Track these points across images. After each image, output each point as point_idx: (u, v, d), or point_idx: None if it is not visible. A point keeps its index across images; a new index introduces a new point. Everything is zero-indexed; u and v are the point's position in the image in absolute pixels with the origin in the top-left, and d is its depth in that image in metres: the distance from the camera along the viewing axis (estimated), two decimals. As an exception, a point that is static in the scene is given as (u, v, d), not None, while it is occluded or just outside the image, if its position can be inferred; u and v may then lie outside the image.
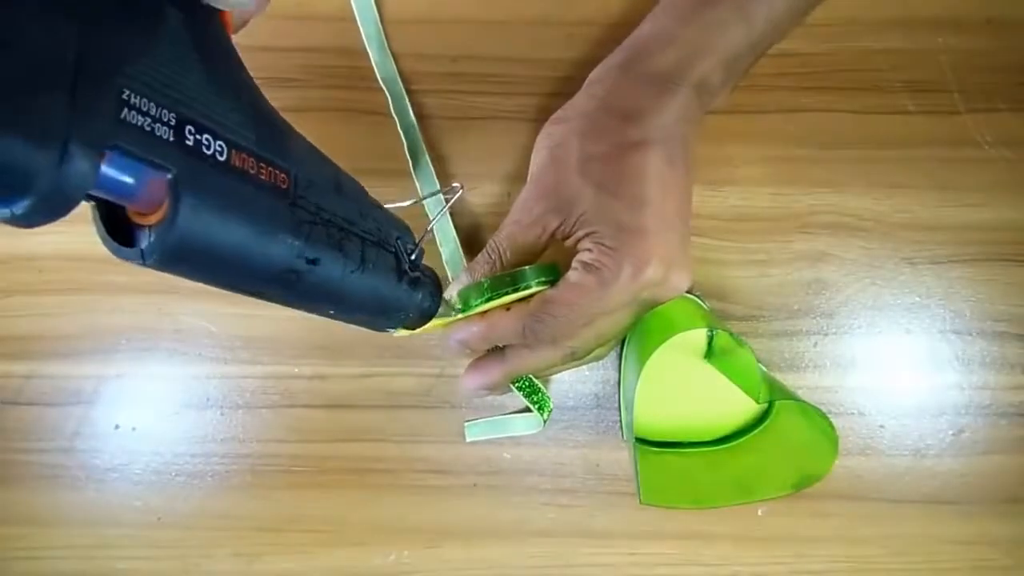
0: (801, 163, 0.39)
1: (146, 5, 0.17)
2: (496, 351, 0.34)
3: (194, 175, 0.17)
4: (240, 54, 0.21)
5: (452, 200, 0.33)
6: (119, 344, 0.40)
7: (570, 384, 0.40)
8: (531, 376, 0.35)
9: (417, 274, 0.26)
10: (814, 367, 0.40)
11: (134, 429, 0.40)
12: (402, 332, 0.30)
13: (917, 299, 0.39)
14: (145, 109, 0.16)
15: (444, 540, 0.40)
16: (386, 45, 0.40)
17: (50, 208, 0.14)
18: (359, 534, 0.40)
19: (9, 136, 0.13)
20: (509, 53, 0.39)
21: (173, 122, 0.17)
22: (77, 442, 0.40)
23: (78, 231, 0.40)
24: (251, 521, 0.40)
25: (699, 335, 0.37)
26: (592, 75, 0.34)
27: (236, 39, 0.22)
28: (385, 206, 0.27)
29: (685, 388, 0.39)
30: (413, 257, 0.26)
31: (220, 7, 0.19)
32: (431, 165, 0.39)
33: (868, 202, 0.39)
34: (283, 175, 0.20)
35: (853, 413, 0.40)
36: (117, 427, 0.40)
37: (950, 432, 0.40)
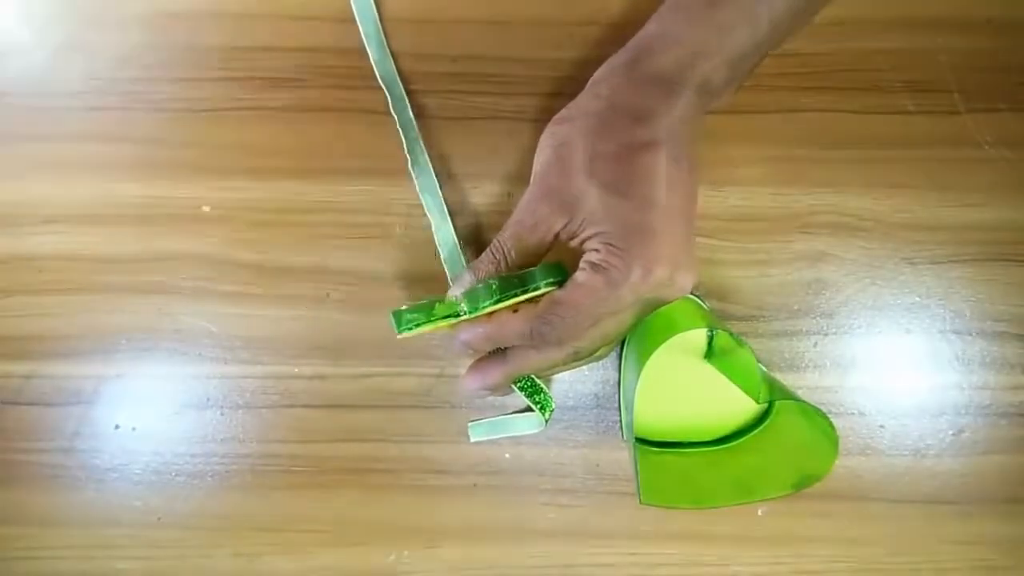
0: (801, 163, 0.39)
1: None
2: (498, 352, 0.34)
3: None
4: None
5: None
6: (119, 344, 0.40)
7: (570, 384, 0.40)
8: (532, 376, 0.35)
9: None
10: (814, 367, 0.40)
11: (134, 429, 0.40)
12: (407, 333, 0.30)
13: (917, 299, 0.39)
14: None
15: (444, 540, 0.40)
16: (385, 44, 0.40)
17: None
18: (359, 534, 0.40)
19: None
20: (509, 53, 0.39)
21: None
22: (77, 442, 0.40)
23: (78, 231, 0.40)
24: (251, 521, 0.40)
25: (699, 335, 0.37)
26: (596, 75, 0.34)
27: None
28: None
29: (685, 388, 0.39)
30: None
31: None
32: (430, 164, 0.39)
33: (868, 202, 0.39)
34: None
35: (853, 413, 0.40)
36: (117, 427, 0.40)
37: (950, 432, 0.40)
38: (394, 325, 0.31)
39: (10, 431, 0.40)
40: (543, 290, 0.30)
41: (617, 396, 0.40)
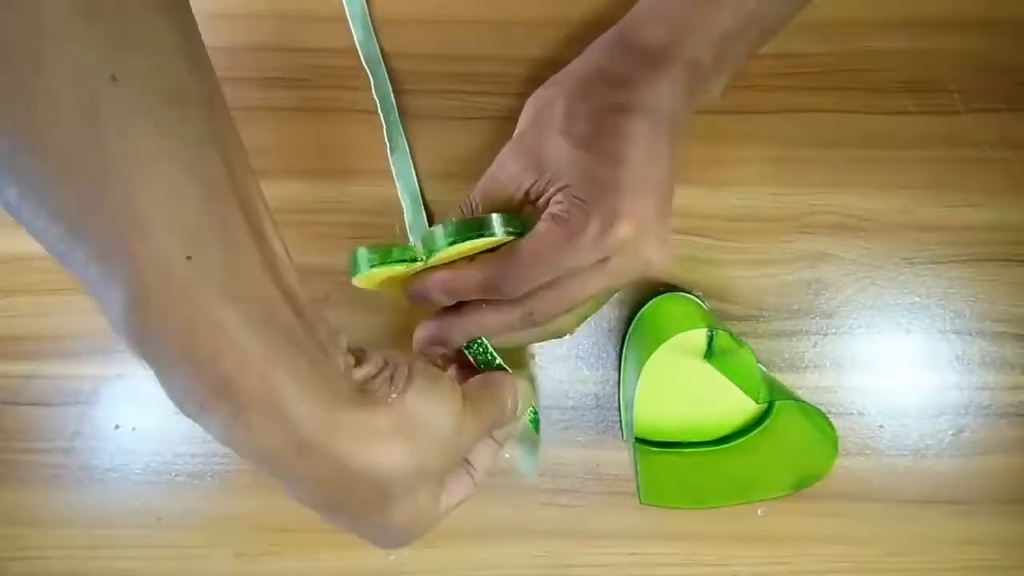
0: (801, 163, 0.39)
1: None
2: (454, 307, 0.32)
3: None
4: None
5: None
6: (119, 344, 0.40)
7: (570, 384, 0.40)
8: (486, 342, 0.32)
9: None
10: (814, 367, 0.40)
11: (134, 429, 0.40)
12: (363, 275, 0.29)
13: (917, 299, 0.39)
14: None
15: (444, 540, 0.40)
16: (371, 25, 0.39)
17: None
18: (359, 534, 0.40)
19: None
20: (509, 53, 0.39)
21: None
22: (77, 442, 0.40)
23: (78, 231, 0.40)
24: (251, 521, 0.40)
25: (699, 335, 0.37)
26: (589, 47, 0.34)
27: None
28: None
29: (685, 388, 0.39)
30: None
31: None
32: (409, 151, 0.39)
33: (868, 202, 0.39)
34: None
35: (853, 413, 0.40)
36: (117, 427, 0.40)
37: (950, 432, 0.40)
38: (350, 268, 0.29)
39: (10, 431, 0.40)
40: (500, 238, 0.29)
41: (617, 396, 0.40)
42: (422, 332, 0.32)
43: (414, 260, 0.29)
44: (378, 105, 0.39)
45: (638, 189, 0.29)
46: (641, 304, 0.39)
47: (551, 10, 0.39)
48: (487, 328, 0.31)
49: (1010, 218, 0.39)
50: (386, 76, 0.40)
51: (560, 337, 0.33)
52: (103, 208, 0.18)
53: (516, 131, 0.33)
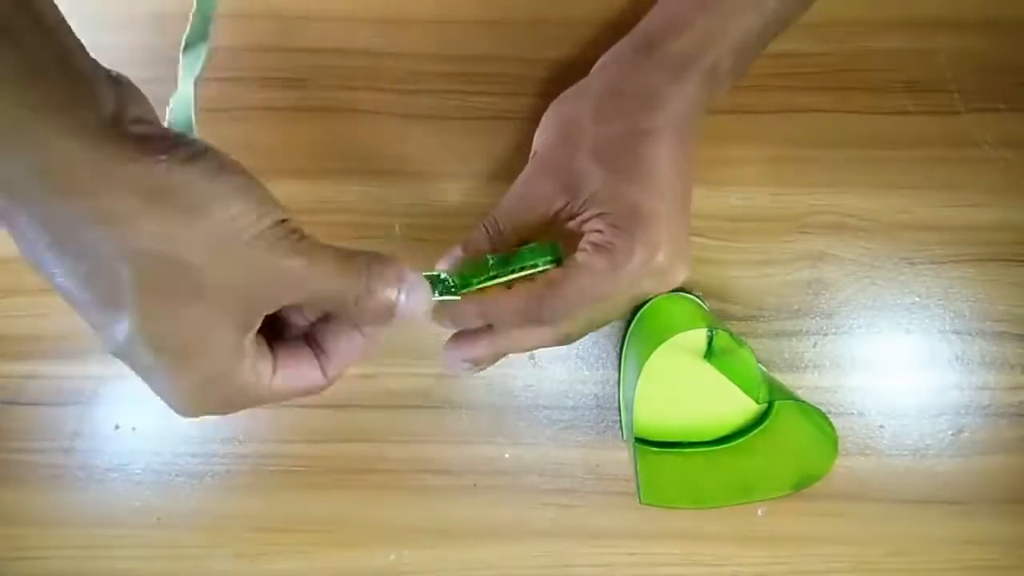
0: (801, 163, 0.39)
1: None
2: (486, 326, 0.32)
3: None
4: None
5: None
6: (119, 344, 0.40)
7: (570, 384, 0.40)
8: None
9: None
10: (814, 367, 0.40)
11: (134, 429, 0.40)
12: None
13: (917, 299, 0.39)
14: None
15: (444, 540, 0.40)
16: None
17: None
18: (359, 534, 0.40)
19: None
20: (509, 53, 0.39)
21: None
22: (77, 442, 0.40)
23: (78, 231, 0.40)
24: (251, 521, 0.40)
25: (699, 335, 0.37)
26: (603, 59, 0.34)
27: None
28: None
29: (685, 388, 0.39)
30: None
31: None
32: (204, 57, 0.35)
33: (868, 202, 0.39)
34: None
35: (853, 413, 0.40)
36: (117, 427, 0.40)
37: (950, 432, 0.40)
38: None
39: (10, 431, 0.40)
40: (539, 268, 0.29)
41: (617, 396, 0.40)
42: (454, 351, 0.32)
43: (448, 292, 0.29)
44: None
45: (673, 215, 0.29)
46: (641, 304, 0.39)
47: (551, 10, 0.39)
48: (521, 347, 0.32)
49: (1010, 218, 0.39)
50: None
51: (570, 343, 0.33)
52: None
53: (538, 146, 0.33)
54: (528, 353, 0.40)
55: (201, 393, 0.22)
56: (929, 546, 0.40)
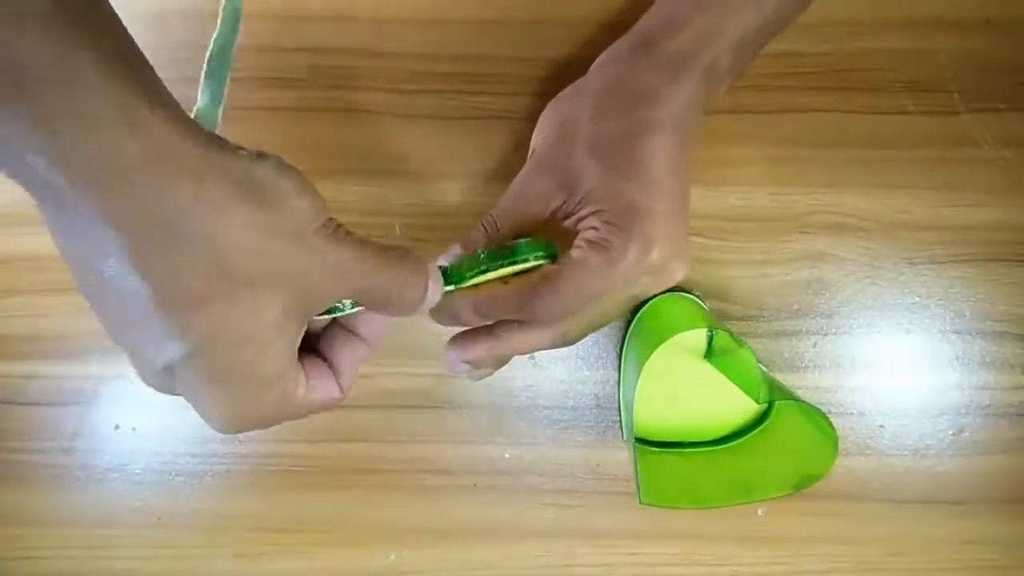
0: (801, 163, 0.39)
1: None
2: (485, 327, 0.32)
3: None
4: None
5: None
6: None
7: (570, 384, 0.40)
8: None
9: None
10: (814, 367, 0.40)
11: (134, 429, 0.40)
12: None
13: (917, 299, 0.39)
14: None
15: (444, 540, 0.40)
16: None
17: None
18: (359, 534, 0.40)
19: None
20: (508, 53, 0.39)
21: None
22: (77, 442, 0.40)
23: (78, 231, 0.40)
24: (251, 521, 0.40)
25: (699, 335, 0.37)
26: (601, 58, 0.34)
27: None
28: None
29: (685, 388, 0.39)
30: None
31: None
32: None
33: (868, 202, 0.39)
34: None
35: (853, 413, 0.40)
36: (117, 427, 0.40)
37: (950, 432, 0.40)
38: None
39: (10, 431, 0.40)
40: (531, 264, 0.29)
41: (617, 396, 0.40)
42: (453, 352, 0.32)
43: (444, 285, 0.28)
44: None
45: (670, 212, 0.29)
46: (641, 304, 0.39)
47: (550, 10, 0.39)
48: (519, 349, 0.32)
49: (1010, 218, 0.39)
50: None
51: (571, 345, 0.33)
52: None
53: (536, 145, 0.33)
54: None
55: (252, 400, 0.22)
56: (929, 546, 0.40)
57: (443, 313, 0.30)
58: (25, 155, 0.18)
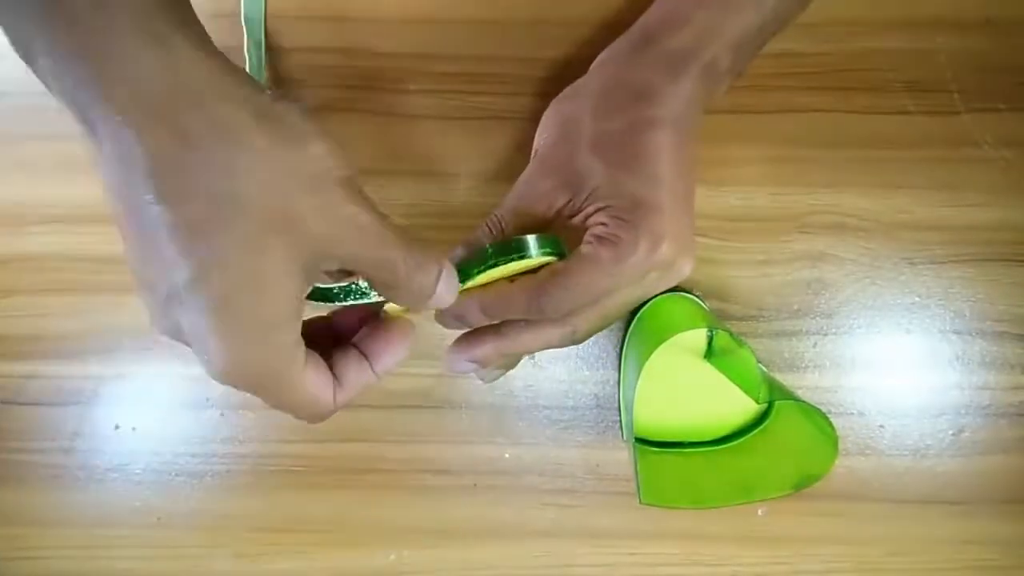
0: (801, 163, 0.39)
1: None
2: (491, 326, 0.32)
3: None
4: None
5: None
6: (119, 344, 0.40)
7: (570, 384, 0.40)
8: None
9: None
10: (814, 367, 0.40)
11: (134, 429, 0.40)
12: (392, 307, 0.28)
13: (917, 299, 0.39)
14: None
15: (444, 540, 0.40)
16: None
17: None
18: (359, 534, 0.40)
19: None
20: (508, 53, 0.39)
21: None
22: (77, 442, 0.40)
23: (78, 231, 0.40)
24: (251, 521, 0.40)
25: (699, 335, 0.37)
26: (601, 57, 0.34)
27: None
28: None
29: (685, 388, 0.39)
30: None
31: None
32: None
33: (868, 202, 0.39)
34: None
35: (853, 413, 0.40)
36: (117, 427, 0.40)
37: (950, 432, 0.40)
38: None
39: (10, 431, 0.40)
40: (537, 260, 0.29)
41: (617, 396, 0.40)
42: (459, 351, 0.32)
43: None
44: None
45: (676, 207, 0.29)
46: (641, 304, 0.39)
47: (551, 10, 0.39)
48: (527, 347, 0.31)
49: (1010, 218, 0.39)
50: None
51: (578, 343, 0.32)
52: None
53: (539, 145, 0.33)
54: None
55: (249, 343, 0.21)
56: (929, 546, 0.40)
57: (449, 314, 0.30)
58: (57, 77, 0.19)
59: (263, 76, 0.38)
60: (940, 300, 0.39)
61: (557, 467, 0.40)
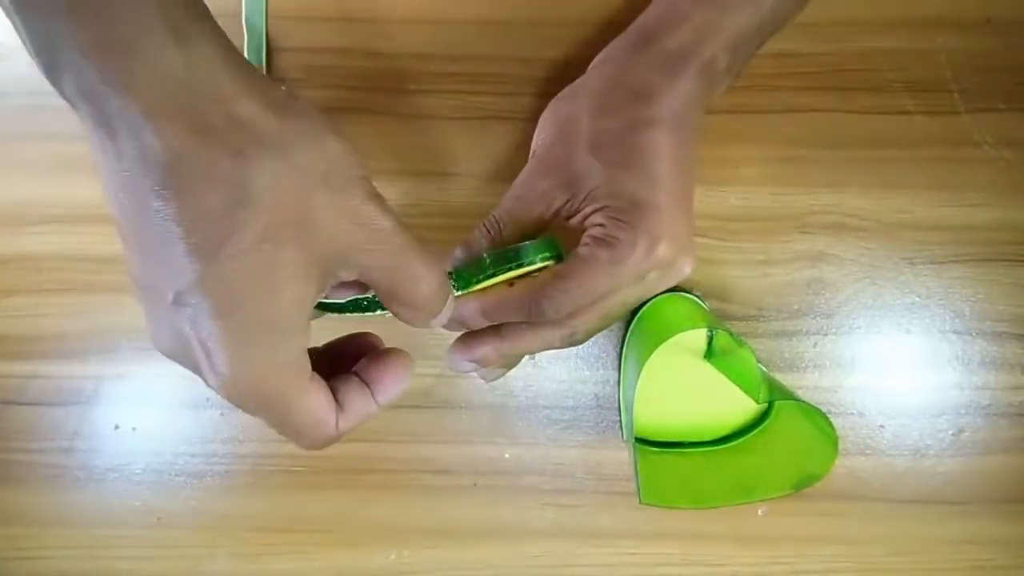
0: (801, 163, 0.39)
1: None
2: (492, 327, 0.32)
3: None
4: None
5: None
6: (119, 344, 0.40)
7: (570, 384, 0.40)
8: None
9: None
10: (814, 367, 0.40)
11: (134, 429, 0.40)
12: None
13: (917, 299, 0.39)
14: None
15: (444, 540, 0.40)
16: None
17: None
18: (359, 534, 0.40)
19: None
20: (509, 53, 0.39)
21: None
22: (77, 442, 0.40)
23: (78, 231, 0.40)
24: (251, 521, 0.40)
25: (699, 335, 0.37)
26: (599, 57, 0.34)
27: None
28: None
29: (685, 388, 0.39)
30: None
31: None
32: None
33: (868, 202, 0.39)
34: None
35: (853, 413, 0.40)
36: (117, 427, 0.40)
37: (950, 432, 0.40)
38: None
39: (10, 431, 0.40)
40: (538, 265, 0.29)
41: (617, 396, 0.40)
42: (459, 352, 0.32)
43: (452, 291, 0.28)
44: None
45: (674, 207, 0.29)
46: (641, 304, 0.39)
47: (551, 10, 0.39)
48: (527, 348, 0.31)
49: (1010, 218, 0.39)
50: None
51: (578, 345, 0.32)
52: None
53: (536, 146, 0.33)
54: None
55: (255, 350, 0.21)
56: (929, 546, 0.40)
57: (451, 321, 0.30)
58: (76, 73, 0.19)
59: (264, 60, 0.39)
60: (940, 300, 0.39)
61: (557, 467, 0.40)
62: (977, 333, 0.39)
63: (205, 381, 0.21)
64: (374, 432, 0.40)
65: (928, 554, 0.40)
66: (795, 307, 0.40)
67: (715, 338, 0.37)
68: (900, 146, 0.39)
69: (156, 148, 0.19)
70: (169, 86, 0.19)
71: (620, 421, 0.40)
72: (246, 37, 0.38)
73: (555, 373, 0.40)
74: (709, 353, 0.38)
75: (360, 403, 0.25)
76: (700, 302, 0.39)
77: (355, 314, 0.26)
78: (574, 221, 0.30)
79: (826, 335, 0.40)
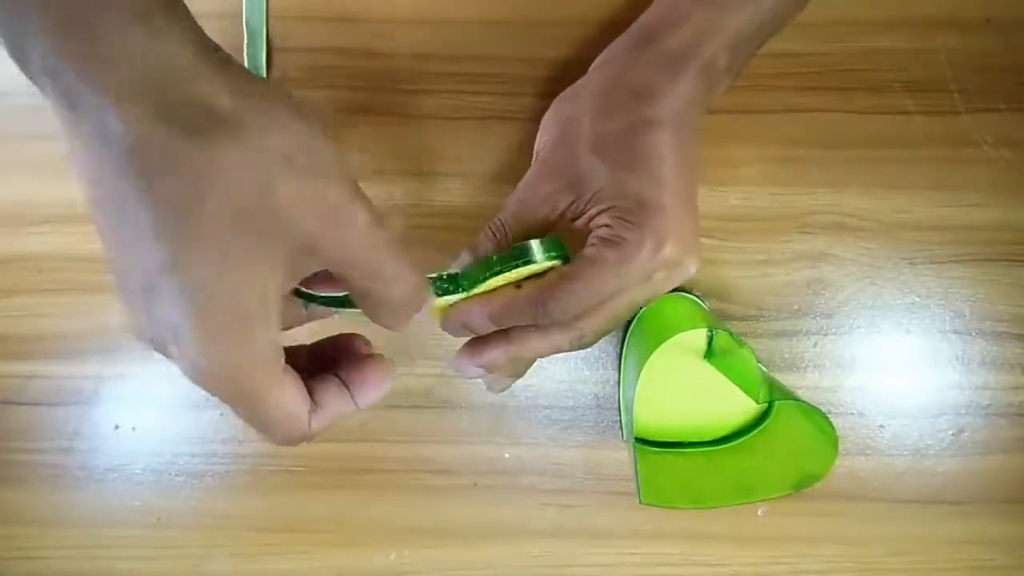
0: (801, 163, 0.39)
1: None
2: (500, 331, 0.31)
3: None
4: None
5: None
6: (119, 344, 0.40)
7: (570, 384, 0.40)
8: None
9: None
10: (814, 367, 0.40)
11: (134, 429, 0.40)
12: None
13: (917, 299, 0.39)
14: None
15: (444, 540, 0.40)
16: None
17: None
18: (359, 534, 0.40)
19: None
20: (509, 53, 0.39)
21: None
22: (77, 442, 0.40)
23: (78, 231, 0.40)
24: (251, 521, 0.40)
25: (699, 335, 0.37)
26: (600, 57, 0.34)
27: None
28: None
29: (685, 388, 0.39)
30: None
31: None
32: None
33: (868, 202, 0.39)
34: None
35: (853, 413, 0.40)
36: (117, 427, 0.40)
37: (950, 432, 0.40)
38: None
39: (10, 431, 0.40)
40: (543, 265, 0.29)
41: (617, 396, 0.40)
42: (466, 357, 0.31)
43: (456, 291, 0.28)
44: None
45: (679, 207, 0.29)
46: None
47: (551, 10, 0.39)
48: (536, 351, 0.31)
49: (1010, 218, 0.39)
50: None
51: (587, 347, 0.32)
52: None
53: (540, 147, 0.33)
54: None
55: (227, 337, 0.20)
56: (929, 546, 0.40)
57: (456, 322, 0.30)
58: (42, 53, 0.19)
59: (264, 77, 0.39)
60: (940, 300, 0.39)
61: (557, 467, 0.40)
62: (977, 333, 0.39)
63: (180, 369, 0.21)
64: (374, 432, 0.40)
65: (928, 554, 0.40)
66: (795, 307, 0.40)
67: (715, 338, 0.37)
68: (900, 146, 0.39)
69: (118, 131, 0.19)
70: (133, 68, 0.19)
71: (620, 421, 0.40)
72: (246, 37, 0.38)
73: (555, 373, 0.40)
74: (709, 353, 0.38)
75: (336, 404, 0.25)
76: (700, 302, 0.39)
77: (333, 308, 0.26)
78: (579, 223, 0.30)
79: (826, 335, 0.40)
